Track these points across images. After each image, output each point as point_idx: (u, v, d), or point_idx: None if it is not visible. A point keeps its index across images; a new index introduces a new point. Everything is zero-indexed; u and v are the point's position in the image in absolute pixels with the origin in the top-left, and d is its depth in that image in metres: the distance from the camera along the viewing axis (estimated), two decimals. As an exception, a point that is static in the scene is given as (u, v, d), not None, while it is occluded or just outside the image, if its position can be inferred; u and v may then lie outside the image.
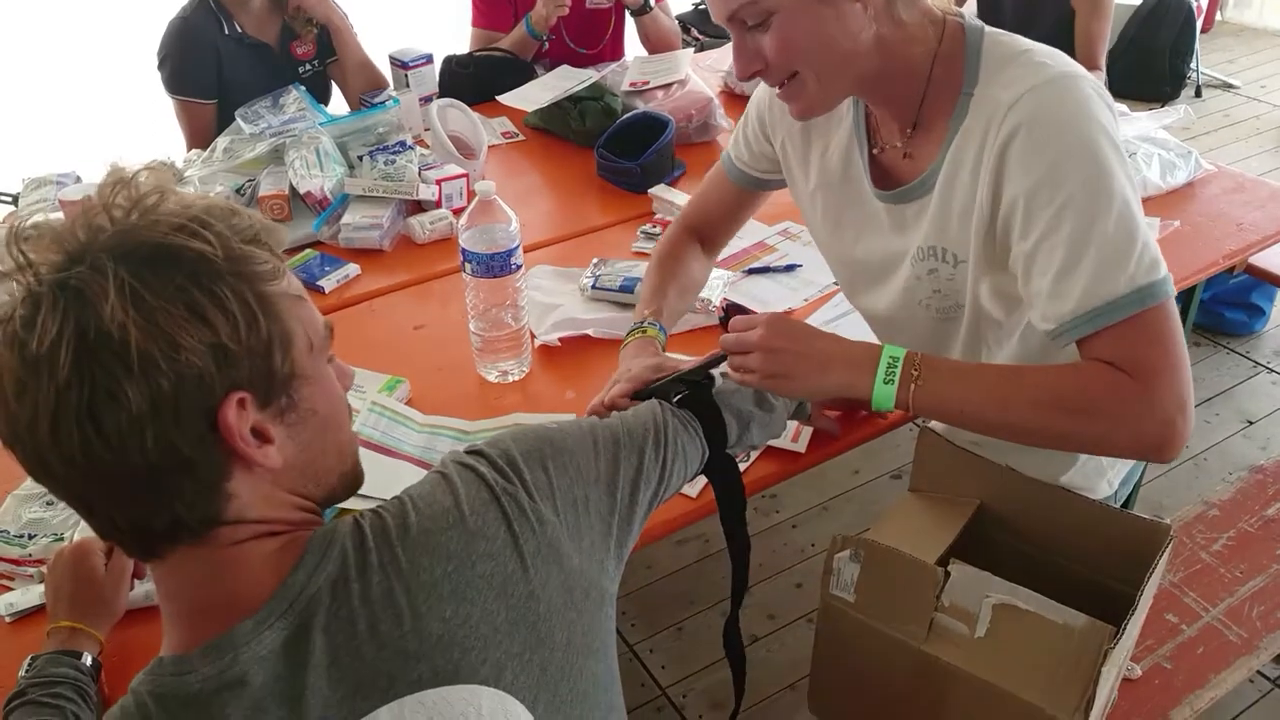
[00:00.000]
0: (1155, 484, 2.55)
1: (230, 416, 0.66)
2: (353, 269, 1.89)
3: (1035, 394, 1.00)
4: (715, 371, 1.13)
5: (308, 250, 1.94)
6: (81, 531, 1.24)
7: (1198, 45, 4.74)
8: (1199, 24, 4.79)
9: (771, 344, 1.06)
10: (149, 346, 0.63)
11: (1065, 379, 1.00)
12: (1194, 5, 4.73)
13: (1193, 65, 4.74)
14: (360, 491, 0.83)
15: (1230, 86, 4.90)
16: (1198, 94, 4.78)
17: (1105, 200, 0.97)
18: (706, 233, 1.44)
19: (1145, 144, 2.12)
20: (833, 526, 2.46)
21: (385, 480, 1.21)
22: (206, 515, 0.69)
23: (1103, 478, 1.32)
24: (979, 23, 1.07)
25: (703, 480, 1.23)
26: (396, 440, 1.40)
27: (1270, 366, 3.03)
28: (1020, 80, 1.01)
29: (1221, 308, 3.10)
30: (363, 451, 0.85)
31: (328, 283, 1.84)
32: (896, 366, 1.03)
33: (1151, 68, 4.62)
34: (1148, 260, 0.97)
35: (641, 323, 1.33)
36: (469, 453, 0.82)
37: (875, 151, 1.18)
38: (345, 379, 0.79)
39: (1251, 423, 2.81)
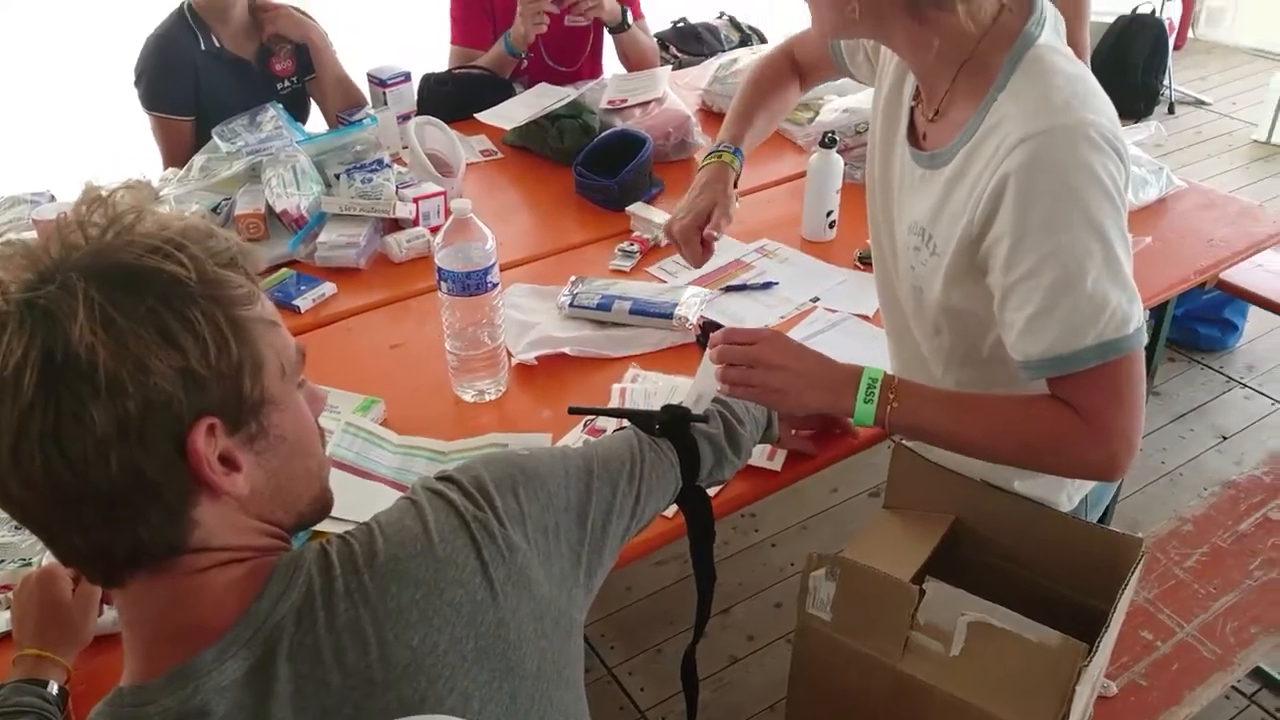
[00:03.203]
0: (1131, 500, 2.57)
1: (199, 442, 0.66)
2: (329, 288, 1.88)
3: (995, 426, 1.12)
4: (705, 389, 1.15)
5: (283, 269, 1.93)
6: (49, 556, 1.23)
7: (1170, 62, 4.80)
8: (1171, 41, 4.86)
9: (773, 360, 1.14)
10: (117, 369, 0.62)
11: (1023, 419, 1.11)
12: (1166, 22, 4.80)
13: (1165, 82, 4.80)
14: (334, 514, 0.82)
15: (1202, 103, 4.96)
16: (1171, 110, 4.84)
17: (1088, 259, 1.00)
18: (804, 65, 1.50)
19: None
20: (811, 545, 2.46)
21: (360, 502, 1.21)
22: (170, 542, 0.68)
23: (1061, 490, 1.33)
24: (1035, 32, 1.06)
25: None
26: (372, 462, 1.39)
27: (1244, 382, 3.06)
28: (1037, 116, 1.00)
29: (1195, 323, 3.13)
30: (337, 473, 0.84)
31: (303, 302, 1.83)
32: (875, 388, 1.13)
33: (1125, 84, 4.67)
34: (1119, 317, 1.02)
35: (719, 146, 1.42)
36: (439, 478, 0.81)
37: (914, 103, 1.20)
38: (317, 404, 0.78)
39: (1226, 438, 2.84)
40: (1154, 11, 4.80)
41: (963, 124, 1.09)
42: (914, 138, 1.20)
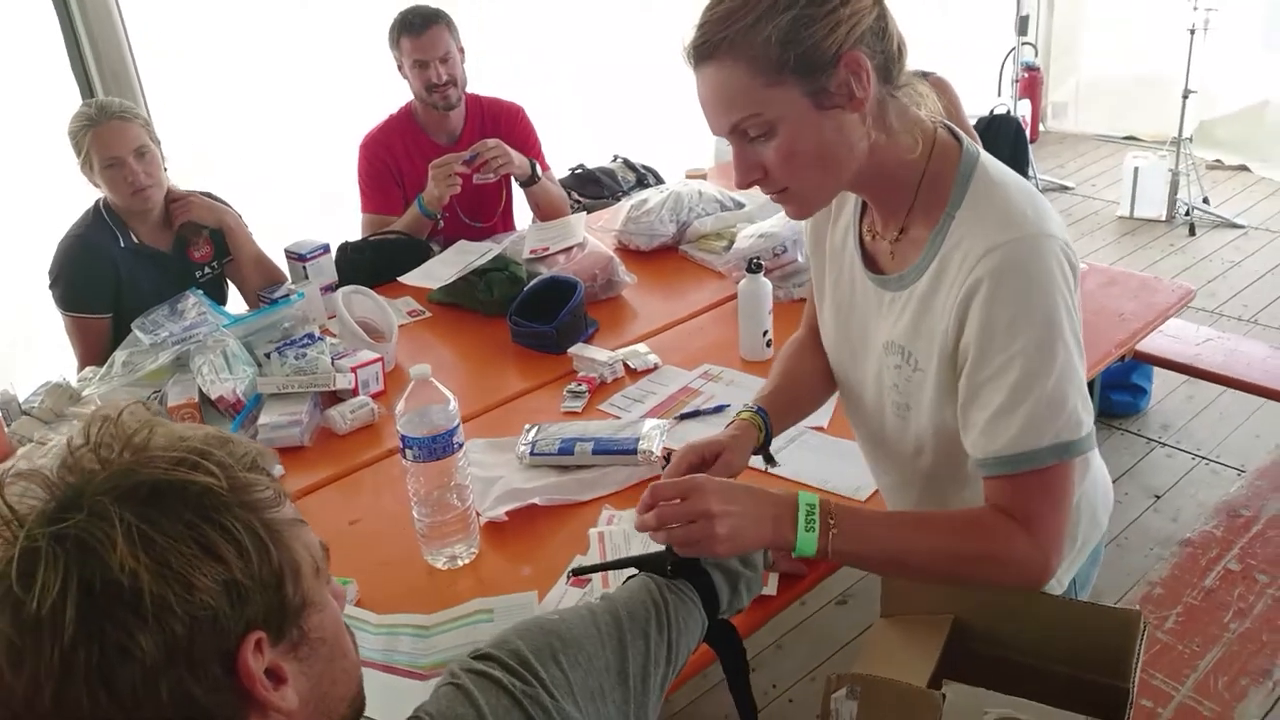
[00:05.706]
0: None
1: (248, 659, 0.62)
2: (276, 470, 1.82)
3: (936, 544, 1.13)
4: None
5: (226, 457, 1.87)
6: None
7: (1030, 154, 5.16)
8: (1027, 134, 5.23)
9: (713, 509, 1.04)
10: (163, 590, 0.59)
11: (963, 535, 1.12)
12: (1020, 118, 5.18)
13: (1031, 173, 5.15)
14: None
15: (1066, 188, 5.33)
16: (1040, 198, 5.18)
17: (1050, 361, 1.05)
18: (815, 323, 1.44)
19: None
20: (790, 662, 2.42)
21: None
22: None
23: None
24: (975, 148, 1.13)
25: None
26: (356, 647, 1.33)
27: (1162, 441, 3.19)
28: (996, 230, 1.06)
29: (1107, 390, 3.28)
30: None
31: (252, 488, 1.77)
32: (814, 514, 1.08)
33: (996, 179, 4.99)
34: (1075, 420, 1.06)
35: (744, 407, 1.35)
36: (477, 657, 0.78)
37: (866, 236, 1.23)
38: (341, 599, 0.76)
39: (1159, 496, 2.94)
40: (1008, 111, 5.18)
41: (924, 242, 1.13)
42: (869, 265, 1.23)
